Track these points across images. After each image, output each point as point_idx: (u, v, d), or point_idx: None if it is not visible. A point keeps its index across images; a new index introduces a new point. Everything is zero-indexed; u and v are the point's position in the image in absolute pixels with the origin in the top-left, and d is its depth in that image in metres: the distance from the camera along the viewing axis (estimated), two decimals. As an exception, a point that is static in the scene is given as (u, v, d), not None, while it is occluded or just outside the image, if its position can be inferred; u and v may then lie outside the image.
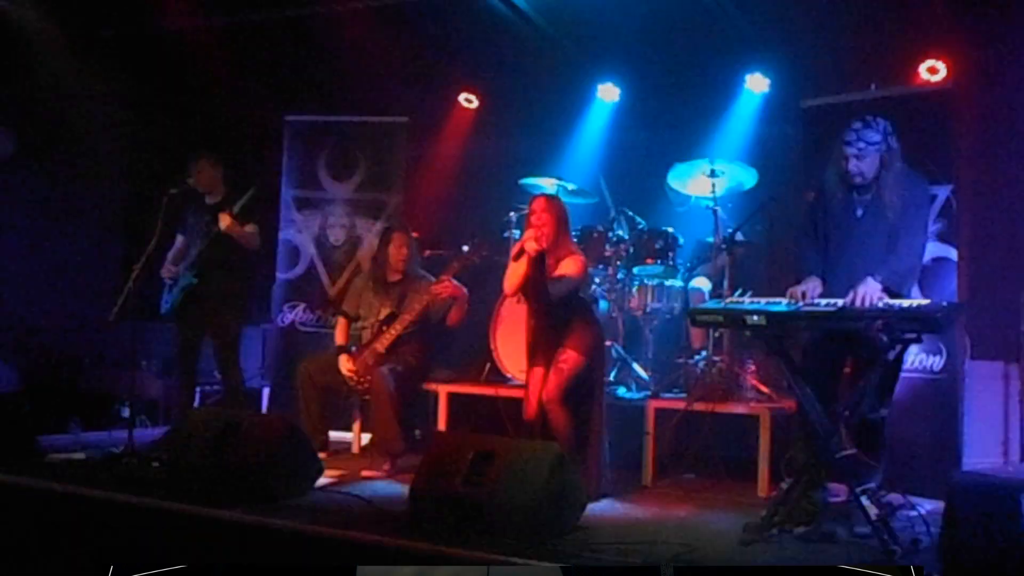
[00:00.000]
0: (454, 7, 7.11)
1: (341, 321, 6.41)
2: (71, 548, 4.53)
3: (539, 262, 5.13)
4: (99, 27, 7.44)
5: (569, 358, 5.07)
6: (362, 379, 5.99)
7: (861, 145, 4.41)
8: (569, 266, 5.12)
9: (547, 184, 6.80)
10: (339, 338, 6.32)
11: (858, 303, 4.17)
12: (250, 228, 6.17)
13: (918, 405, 5.14)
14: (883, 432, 4.49)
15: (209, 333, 6.30)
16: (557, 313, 5.14)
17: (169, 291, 6.29)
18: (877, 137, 4.41)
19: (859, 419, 4.25)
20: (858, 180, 4.49)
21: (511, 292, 5.37)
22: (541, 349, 5.18)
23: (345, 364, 6.04)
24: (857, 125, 4.43)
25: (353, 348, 6.15)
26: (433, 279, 6.14)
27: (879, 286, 4.23)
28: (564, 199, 5.71)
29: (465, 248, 6.09)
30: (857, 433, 4.26)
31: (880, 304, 4.13)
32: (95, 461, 5.58)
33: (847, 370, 4.60)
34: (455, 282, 6.07)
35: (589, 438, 5.15)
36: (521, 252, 5.15)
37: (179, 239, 6.39)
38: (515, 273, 5.24)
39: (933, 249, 5.18)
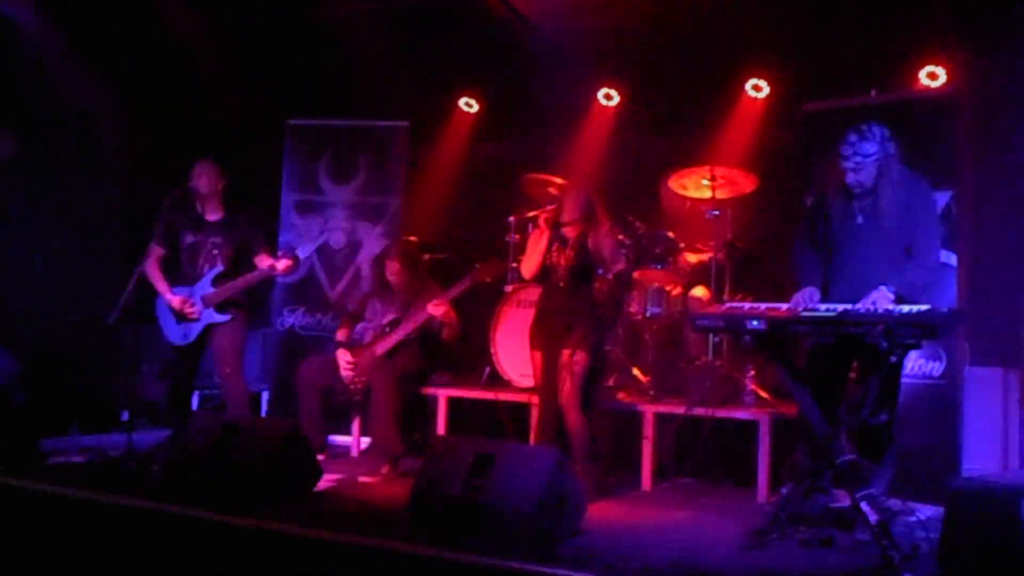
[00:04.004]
0: (455, 11, 7.12)
1: (345, 320, 6.41)
2: (70, 551, 4.52)
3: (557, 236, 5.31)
4: (101, 29, 7.44)
5: (580, 359, 5.17)
6: (358, 377, 6.00)
7: (858, 159, 4.40)
8: (601, 239, 5.28)
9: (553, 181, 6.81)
10: (340, 336, 6.32)
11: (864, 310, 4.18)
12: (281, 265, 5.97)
13: (918, 411, 5.14)
14: (886, 438, 4.48)
15: (213, 347, 6.03)
16: (569, 299, 5.25)
17: (179, 323, 5.93)
18: (874, 148, 4.40)
19: (859, 424, 4.25)
20: (858, 190, 4.49)
21: (530, 274, 5.44)
22: (547, 336, 5.26)
23: (344, 356, 6.05)
24: (853, 138, 4.42)
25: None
26: (439, 289, 6.15)
27: (891, 296, 4.23)
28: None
29: (477, 266, 6.07)
30: (859, 439, 4.26)
31: (880, 309, 4.13)
32: (94, 464, 5.59)
33: (852, 375, 4.59)
34: (450, 306, 6.08)
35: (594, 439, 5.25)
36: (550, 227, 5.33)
37: (154, 251, 5.99)
38: (534, 253, 5.37)
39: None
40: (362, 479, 5.60)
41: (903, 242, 4.46)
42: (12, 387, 6.32)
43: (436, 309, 6.00)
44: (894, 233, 4.46)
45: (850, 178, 4.45)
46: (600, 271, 5.46)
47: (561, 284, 5.29)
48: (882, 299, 4.21)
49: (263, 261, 5.94)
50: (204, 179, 5.98)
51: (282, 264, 5.93)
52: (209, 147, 6.23)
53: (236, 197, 6.17)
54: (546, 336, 5.26)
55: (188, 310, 5.88)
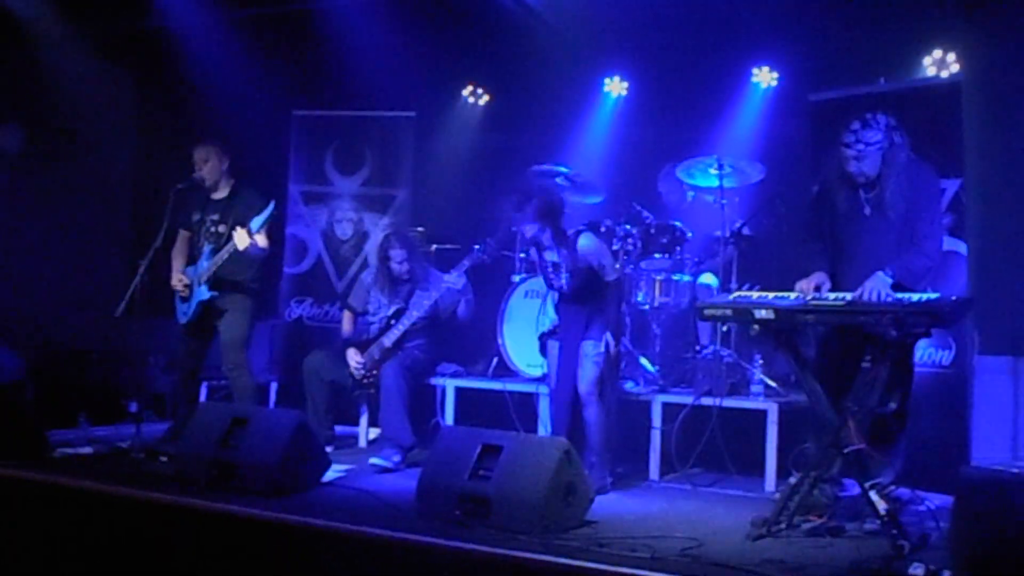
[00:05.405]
0: (461, 2, 7.10)
1: (348, 315, 6.41)
2: (78, 542, 4.54)
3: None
4: (107, 22, 7.44)
5: (599, 351, 5.15)
6: (369, 373, 6.01)
7: (860, 147, 4.36)
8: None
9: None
10: (346, 330, 6.31)
11: (865, 297, 4.15)
12: (262, 241, 5.81)
13: (927, 399, 5.13)
14: (897, 427, 4.47)
15: (220, 339, 6.04)
16: (576, 300, 5.25)
17: (183, 301, 6.02)
18: (878, 136, 4.35)
19: (867, 414, 4.23)
20: (861, 180, 4.46)
21: None
22: (563, 330, 5.29)
23: (353, 357, 6.06)
24: (856, 126, 4.37)
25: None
26: (441, 275, 6.14)
27: (889, 280, 4.20)
28: (572, 192, 5.84)
29: (476, 247, 6.06)
30: (869, 427, 4.24)
31: (889, 298, 4.11)
32: (103, 456, 5.60)
33: (866, 365, 4.57)
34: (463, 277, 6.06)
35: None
36: None
37: (181, 234, 6.14)
38: None
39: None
40: (372, 462, 5.60)
41: (910, 231, 4.43)
42: (19, 383, 6.34)
43: (457, 282, 5.97)
44: (901, 223, 4.43)
45: (852, 166, 4.41)
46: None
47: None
48: (880, 285, 4.18)
49: (239, 237, 5.76)
50: (208, 165, 6.01)
51: (260, 240, 5.80)
52: (216, 138, 6.23)
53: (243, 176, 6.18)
54: (563, 330, 5.24)
55: (180, 288, 5.97)
